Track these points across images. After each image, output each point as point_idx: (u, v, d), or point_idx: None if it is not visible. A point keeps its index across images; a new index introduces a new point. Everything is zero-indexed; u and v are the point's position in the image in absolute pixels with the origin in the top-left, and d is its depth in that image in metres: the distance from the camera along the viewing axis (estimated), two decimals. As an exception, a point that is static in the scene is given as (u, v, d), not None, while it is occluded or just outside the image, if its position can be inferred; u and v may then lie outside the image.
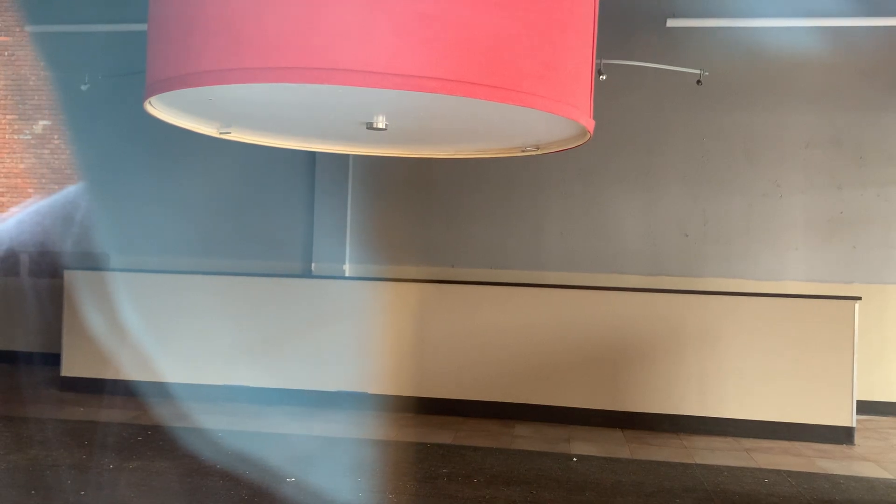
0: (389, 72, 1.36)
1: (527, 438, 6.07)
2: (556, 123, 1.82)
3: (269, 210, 8.10)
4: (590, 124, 1.63)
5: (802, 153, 7.57)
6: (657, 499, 4.67)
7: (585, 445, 5.91)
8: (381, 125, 1.91)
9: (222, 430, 5.88)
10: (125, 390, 6.88)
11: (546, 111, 1.53)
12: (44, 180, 9.34)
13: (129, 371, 6.96)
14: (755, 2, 7.39)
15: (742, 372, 6.39)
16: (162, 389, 6.82)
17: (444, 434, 6.08)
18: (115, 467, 4.91)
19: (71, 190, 8.58)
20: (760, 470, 5.40)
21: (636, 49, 7.50)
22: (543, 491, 4.73)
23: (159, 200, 8.23)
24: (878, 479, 5.27)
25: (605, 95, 7.57)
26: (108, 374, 7.05)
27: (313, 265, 7.90)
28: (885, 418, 7.17)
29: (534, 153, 2.17)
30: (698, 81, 6.88)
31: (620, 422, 6.51)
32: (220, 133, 1.97)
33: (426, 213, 7.95)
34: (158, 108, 2.18)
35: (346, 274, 7.89)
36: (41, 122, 9.44)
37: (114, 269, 7.59)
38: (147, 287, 7.17)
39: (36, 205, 8.75)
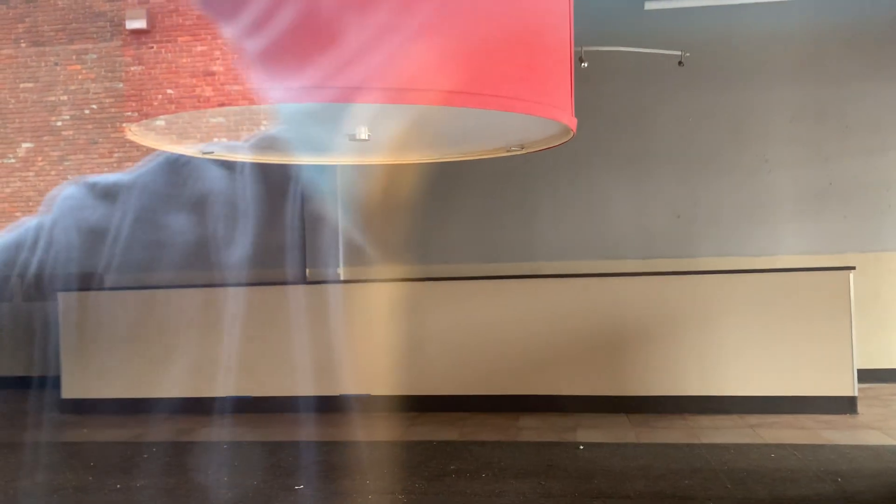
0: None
1: (533, 430, 6.08)
2: (537, 124, 1.81)
3: (261, 219, 8.05)
4: (572, 122, 1.63)
5: (788, 127, 7.59)
6: (666, 481, 4.68)
7: (592, 433, 5.92)
8: (363, 136, 1.90)
9: (227, 441, 5.86)
10: (126, 409, 6.85)
11: (529, 114, 1.53)
12: (30, 203, 9.28)
13: (130, 389, 6.94)
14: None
15: (742, 349, 6.41)
16: (163, 405, 6.79)
17: (450, 431, 6.08)
18: (121, 487, 4.89)
19: (60, 211, 8.50)
20: (766, 445, 5.42)
21: (616, 34, 7.49)
22: (553, 481, 4.74)
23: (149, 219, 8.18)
24: (883, 447, 5.30)
25: (589, 82, 7.58)
26: (109, 394, 7.02)
27: (308, 271, 7.88)
28: (886, 385, 7.21)
29: (519, 153, 2.18)
30: (680, 63, 6.88)
31: (625, 407, 6.52)
32: (203, 154, 1.96)
33: (417, 212, 7.92)
34: (137, 134, 2.16)
35: (342, 278, 7.88)
36: (24, 145, 9.38)
37: (106, 289, 7.55)
38: (144, 303, 7.14)
39: (25, 226, 8.69)
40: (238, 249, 8.03)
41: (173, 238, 8.05)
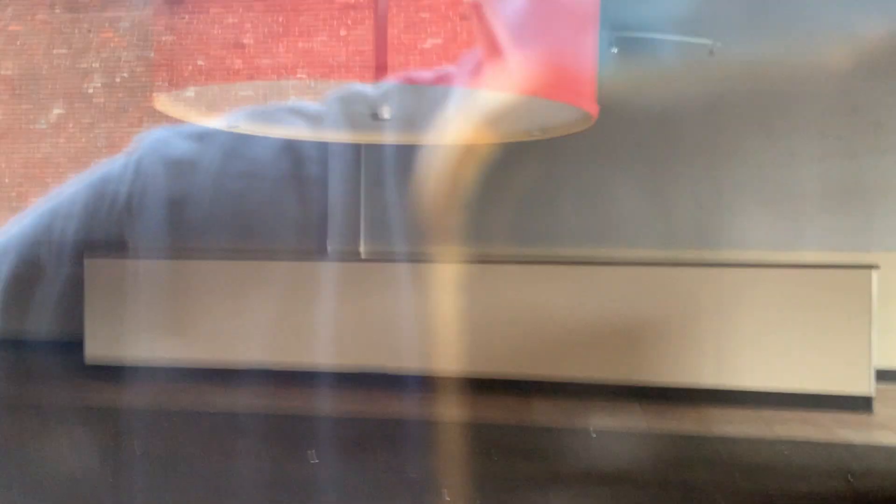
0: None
1: (544, 413, 6.12)
2: (562, 110, 1.81)
3: (281, 193, 8.12)
4: (594, 109, 1.64)
5: (819, 120, 7.49)
6: (676, 471, 4.71)
7: (604, 419, 5.95)
8: (385, 115, 1.92)
9: (245, 413, 5.97)
10: (150, 375, 6.99)
11: (563, 101, 1.56)
12: (60, 169, 9.43)
13: (153, 355, 7.07)
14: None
15: (759, 342, 6.39)
16: (189, 373, 6.92)
17: (460, 411, 6.14)
18: (142, 453, 5.02)
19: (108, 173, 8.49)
20: (779, 440, 5.42)
21: (649, 20, 7.41)
22: (563, 466, 4.79)
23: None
24: (896, 448, 5.28)
25: (619, 68, 7.52)
26: (133, 360, 7.15)
27: (329, 246, 7.94)
28: (903, 386, 7.15)
29: (540, 138, 2.21)
30: (711, 52, 6.81)
31: (639, 395, 6.53)
32: (230, 127, 1.99)
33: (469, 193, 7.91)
34: (166, 104, 2.17)
35: (363, 255, 7.93)
36: (55, 111, 9.51)
37: (133, 257, 7.67)
38: (176, 273, 7.24)
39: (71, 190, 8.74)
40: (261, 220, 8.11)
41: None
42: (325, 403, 6.32)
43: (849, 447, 5.26)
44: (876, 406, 6.26)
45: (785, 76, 7.45)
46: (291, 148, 7.10)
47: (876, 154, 7.40)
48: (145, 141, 7.95)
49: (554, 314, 6.69)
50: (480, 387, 6.74)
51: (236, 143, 6.67)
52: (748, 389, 6.40)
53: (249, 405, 6.15)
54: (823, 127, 7.47)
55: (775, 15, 7.43)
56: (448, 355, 6.82)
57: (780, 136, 7.53)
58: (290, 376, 6.87)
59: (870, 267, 6.29)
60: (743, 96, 7.52)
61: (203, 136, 6.81)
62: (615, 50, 6.46)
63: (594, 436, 5.48)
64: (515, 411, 6.16)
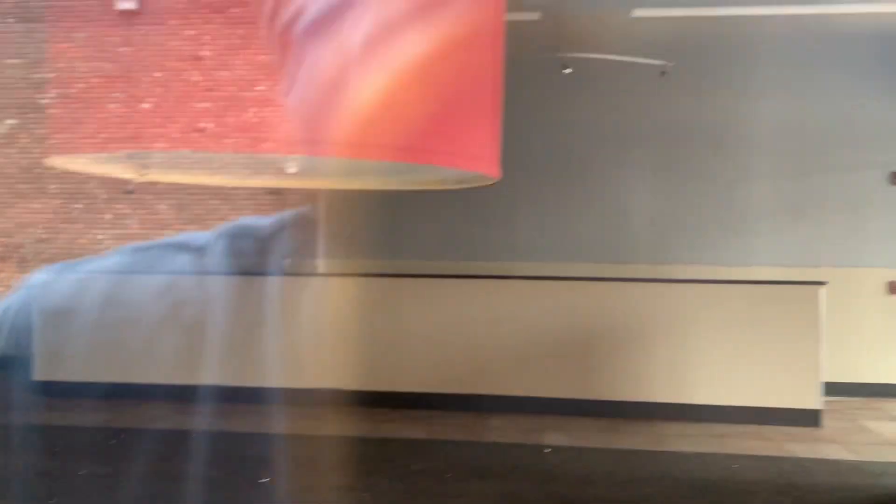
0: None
1: (501, 430, 6.13)
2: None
3: (239, 209, 8.06)
4: (494, 171, 1.64)
5: (769, 140, 7.65)
6: (628, 488, 4.75)
7: (558, 435, 5.98)
8: (292, 170, 1.88)
9: (196, 430, 5.88)
10: (98, 393, 6.85)
11: (444, 166, 1.55)
12: (11, 180, 9.25)
13: (103, 373, 6.93)
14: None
15: (712, 358, 6.48)
16: (136, 391, 6.80)
17: (417, 429, 6.12)
18: (86, 473, 4.91)
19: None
20: (729, 455, 5.49)
21: (603, 40, 7.52)
22: (516, 483, 4.79)
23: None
24: (842, 461, 5.38)
25: (572, 88, 7.61)
26: (82, 377, 7.01)
27: (286, 262, 7.88)
28: (852, 399, 7.30)
29: (455, 188, 2.21)
30: (662, 73, 6.92)
31: (593, 411, 6.58)
32: (141, 175, 1.92)
33: (396, 208, 7.95)
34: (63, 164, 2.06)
35: (319, 270, 7.89)
36: (8, 121, 9.33)
37: (82, 271, 7.52)
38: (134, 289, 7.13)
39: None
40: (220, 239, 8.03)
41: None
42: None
43: (797, 461, 5.35)
44: (825, 419, 6.39)
45: (735, 95, 7.61)
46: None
47: (825, 172, 7.58)
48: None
49: (509, 330, 6.72)
50: (433, 404, 6.72)
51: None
52: (701, 404, 6.48)
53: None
54: (775, 146, 7.62)
55: (726, 37, 7.58)
56: (406, 374, 6.80)
57: (732, 154, 7.67)
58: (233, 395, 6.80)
59: (818, 283, 6.42)
60: (696, 115, 7.66)
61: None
62: (568, 70, 6.54)
63: (547, 450, 5.50)
64: (471, 429, 6.15)
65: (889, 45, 7.47)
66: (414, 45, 1.33)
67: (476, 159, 1.57)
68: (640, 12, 7.19)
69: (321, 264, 7.95)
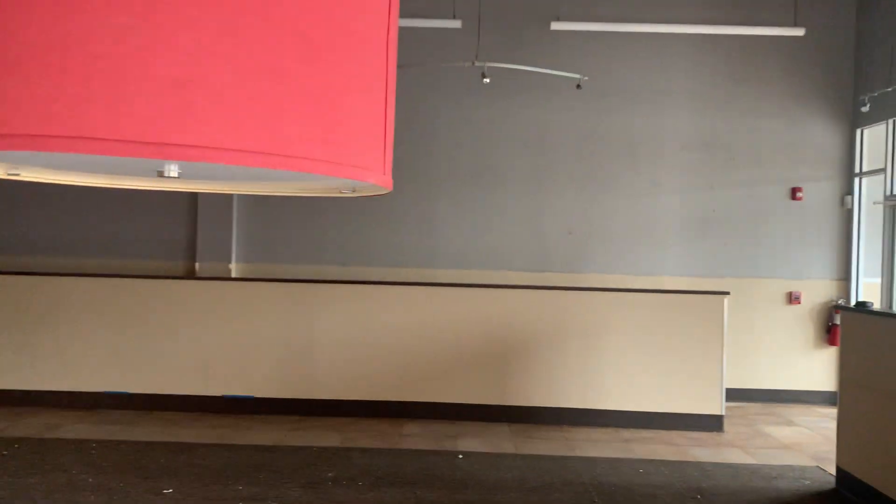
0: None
1: (415, 437, 6.12)
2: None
3: (150, 209, 7.79)
4: (385, 182, 1.62)
5: (679, 154, 7.92)
6: (538, 494, 4.81)
7: (472, 441, 6.01)
8: (173, 174, 1.78)
9: (97, 440, 5.65)
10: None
11: (329, 175, 1.52)
12: None
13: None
14: (638, 7, 7.68)
15: (621, 364, 6.65)
16: (32, 398, 6.49)
17: (331, 436, 6.05)
18: (-24, 485, 4.64)
19: None
20: (636, 460, 5.64)
21: (522, 52, 7.64)
22: (427, 490, 4.79)
23: (33, 198, 7.80)
24: (742, 465, 5.60)
25: (492, 97, 7.71)
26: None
27: (197, 265, 7.68)
28: (752, 404, 7.62)
29: (350, 195, 2.16)
30: (578, 86, 7.09)
31: (507, 416, 6.65)
32: (9, 175, 1.80)
33: (315, 212, 7.87)
34: None
35: (233, 274, 7.72)
36: None
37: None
38: (17, 289, 6.79)
39: None
40: (127, 239, 7.75)
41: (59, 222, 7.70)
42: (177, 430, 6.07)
43: (699, 466, 5.54)
44: (727, 424, 6.63)
45: (647, 110, 7.86)
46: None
47: (729, 186, 7.90)
48: None
49: (425, 336, 6.72)
50: (347, 411, 6.66)
51: None
52: (610, 409, 6.63)
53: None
54: (683, 160, 7.90)
55: (641, 51, 7.82)
56: (321, 381, 6.71)
57: (644, 167, 7.91)
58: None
59: (722, 293, 6.68)
60: (609, 128, 7.86)
61: None
62: (487, 80, 6.61)
63: (460, 456, 5.52)
64: (385, 435, 6.12)
65: (791, 66, 7.86)
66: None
67: (365, 170, 1.54)
68: (557, 25, 7.33)
69: (234, 268, 7.78)
